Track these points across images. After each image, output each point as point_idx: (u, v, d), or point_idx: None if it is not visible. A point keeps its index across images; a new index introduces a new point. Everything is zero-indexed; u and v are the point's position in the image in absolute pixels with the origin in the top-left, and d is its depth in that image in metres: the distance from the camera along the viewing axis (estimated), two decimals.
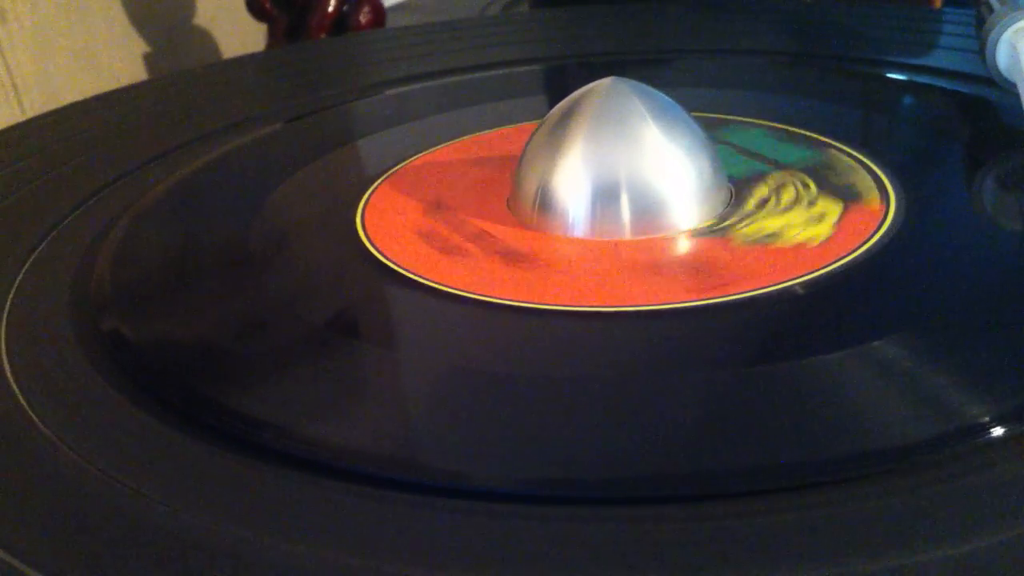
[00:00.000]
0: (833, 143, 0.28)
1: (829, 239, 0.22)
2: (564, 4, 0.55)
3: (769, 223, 0.23)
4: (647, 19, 0.46)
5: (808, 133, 0.28)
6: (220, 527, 0.14)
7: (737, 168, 0.26)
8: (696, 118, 0.25)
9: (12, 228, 0.26)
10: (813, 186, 0.24)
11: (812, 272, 0.20)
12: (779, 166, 0.25)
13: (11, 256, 0.25)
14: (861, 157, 0.26)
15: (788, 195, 0.24)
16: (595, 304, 0.20)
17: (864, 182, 0.24)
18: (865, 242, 0.22)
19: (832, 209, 0.23)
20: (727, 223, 0.23)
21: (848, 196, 0.23)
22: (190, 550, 0.14)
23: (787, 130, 0.28)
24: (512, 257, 0.22)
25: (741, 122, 0.29)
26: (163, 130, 0.34)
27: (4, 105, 0.46)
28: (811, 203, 0.23)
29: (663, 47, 0.41)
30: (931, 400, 0.17)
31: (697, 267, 0.21)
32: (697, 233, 0.23)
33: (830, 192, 0.24)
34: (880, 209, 0.23)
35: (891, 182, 0.25)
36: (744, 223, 0.23)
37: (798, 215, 0.23)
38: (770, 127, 0.28)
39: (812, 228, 0.22)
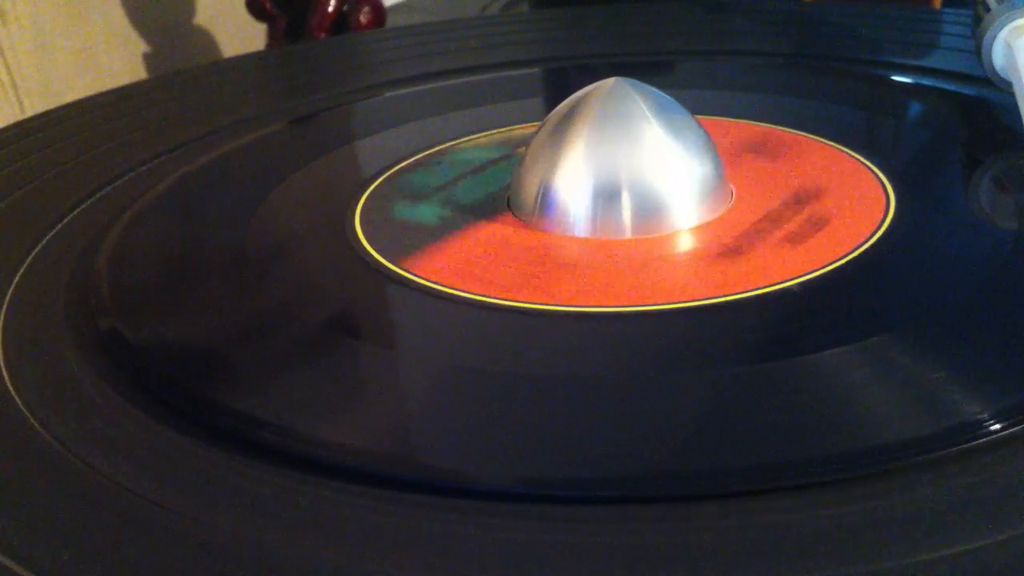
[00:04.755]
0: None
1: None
2: (564, 4, 0.55)
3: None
4: (647, 19, 0.46)
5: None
6: (220, 527, 0.14)
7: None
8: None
9: (12, 228, 0.26)
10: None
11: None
12: None
13: (11, 256, 0.25)
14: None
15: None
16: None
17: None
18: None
19: None
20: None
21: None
22: (190, 550, 0.14)
23: None
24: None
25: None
26: (163, 130, 0.34)
27: (4, 105, 0.46)
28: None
29: (663, 48, 0.41)
30: (931, 399, 0.17)
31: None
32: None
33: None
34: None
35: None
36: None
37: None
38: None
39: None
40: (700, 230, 0.23)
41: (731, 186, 0.25)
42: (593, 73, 0.25)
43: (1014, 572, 0.13)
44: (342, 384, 0.19)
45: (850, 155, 0.27)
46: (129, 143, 0.33)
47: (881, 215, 0.23)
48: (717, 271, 0.21)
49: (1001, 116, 0.29)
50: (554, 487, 0.15)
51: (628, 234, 0.23)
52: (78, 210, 0.27)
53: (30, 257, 0.25)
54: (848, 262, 0.21)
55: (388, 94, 0.38)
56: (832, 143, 0.28)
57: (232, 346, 0.21)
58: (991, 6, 0.29)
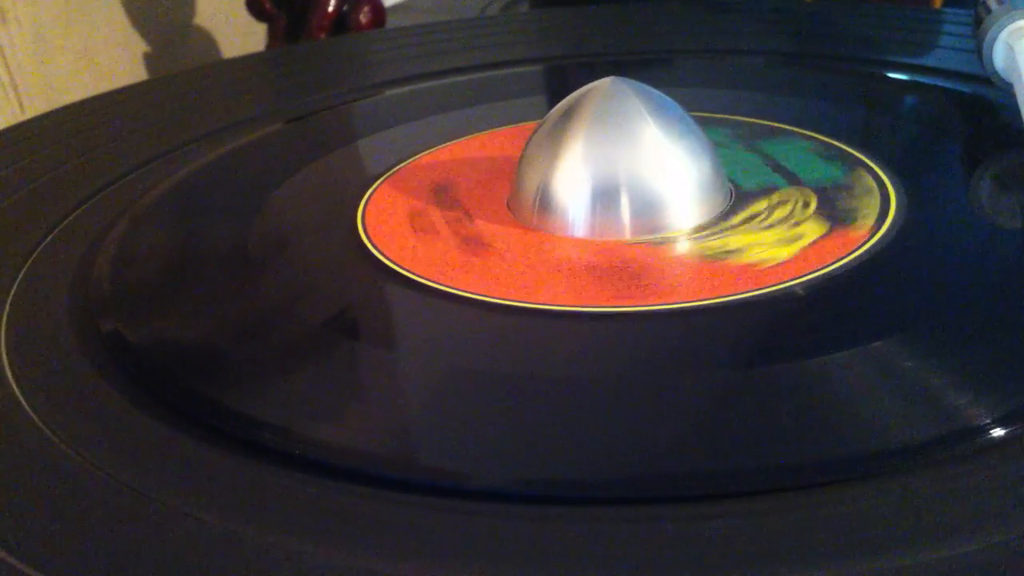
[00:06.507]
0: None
1: (785, 262, 0.21)
2: (564, 4, 0.55)
3: (735, 240, 0.22)
4: (647, 19, 0.46)
5: (848, 149, 0.27)
6: (220, 527, 0.14)
7: (752, 179, 0.25)
8: (740, 121, 0.25)
9: (12, 228, 0.26)
10: (812, 206, 0.23)
11: (746, 292, 0.20)
12: (794, 182, 0.25)
13: (11, 256, 0.25)
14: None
15: (780, 213, 0.23)
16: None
17: (870, 206, 0.23)
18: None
19: (812, 232, 0.22)
20: (699, 233, 0.23)
21: (840, 220, 0.23)
22: (190, 550, 0.14)
23: (831, 144, 0.27)
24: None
25: (788, 132, 0.29)
26: (163, 130, 0.34)
27: (4, 105, 0.47)
28: (795, 224, 0.23)
29: (663, 47, 0.41)
30: (931, 400, 0.17)
31: (630, 273, 0.21)
32: (658, 241, 0.23)
33: (825, 215, 0.23)
34: (863, 235, 0.22)
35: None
36: (713, 236, 0.22)
37: (772, 235, 0.22)
38: (816, 140, 0.28)
39: (776, 250, 0.22)
40: (699, 230, 0.23)
41: (730, 185, 0.25)
42: (592, 72, 0.25)
43: (1014, 573, 0.13)
44: (343, 384, 0.19)
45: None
46: (129, 143, 0.33)
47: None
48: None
49: (1001, 116, 0.29)
50: (554, 488, 0.15)
51: (627, 234, 0.23)
52: (79, 211, 0.27)
53: (32, 257, 0.25)
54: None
55: (388, 94, 0.38)
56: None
57: (234, 346, 0.21)
58: (992, 7, 0.29)
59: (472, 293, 0.21)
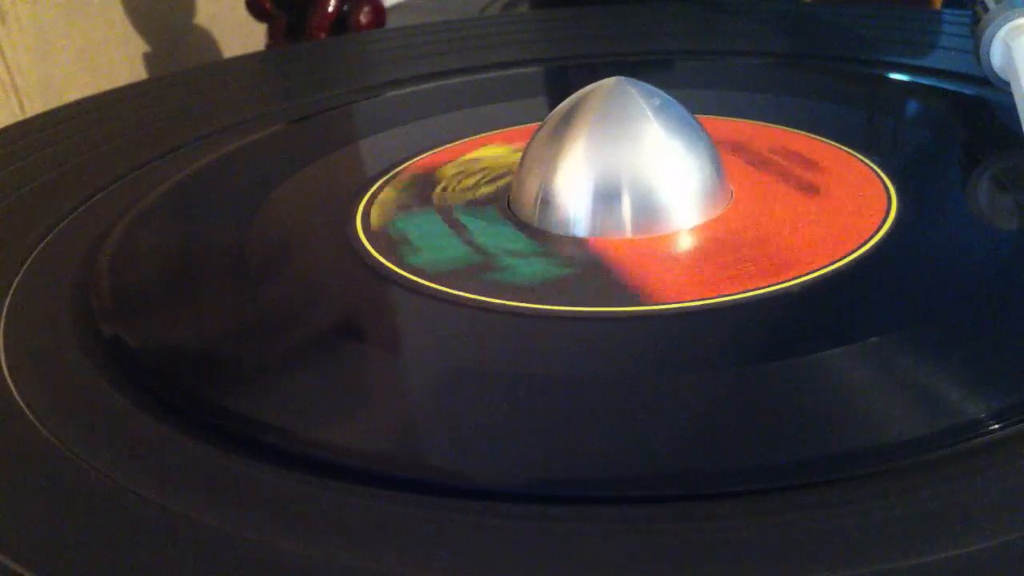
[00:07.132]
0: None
1: None
2: (564, 4, 0.55)
3: None
4: (647, 19, 0.46)
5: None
6: (220, 527, 0.14)
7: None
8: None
9: (12, 228, 0.26)
10: None
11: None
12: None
13: (11, 256, 0.25)
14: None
15: None
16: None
17: None
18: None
19: None
20: None
21: None
22: (189, 550, 0.14)
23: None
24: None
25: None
26: (163, 130, 0.34)
27: (4, 105, 0.46)
28: None
29: (663, 47, 0.41)
30: (930, 399, 0.17)
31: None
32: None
33: None
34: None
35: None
36: None
37: None
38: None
39: None
40: (700, 230, 0.23)
41: (730, 186, 0.25)
42: (593, 73, 0.25)
43: (1014, 573, 0.13)
44: (344, 385, 0.19)
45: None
46: (129, 143, 0.33)
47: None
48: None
49: (1000, 116, 0.29)
50: (555, 487, 0.15)
51: (628, 234, 0.23)
52: (79, 210, 0.27)
53: (31, 258, 0.25)
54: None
55: (388, 94, 0.38)
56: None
57: (234, 347, 0.21)
58: (989, 6, 0.29)
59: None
